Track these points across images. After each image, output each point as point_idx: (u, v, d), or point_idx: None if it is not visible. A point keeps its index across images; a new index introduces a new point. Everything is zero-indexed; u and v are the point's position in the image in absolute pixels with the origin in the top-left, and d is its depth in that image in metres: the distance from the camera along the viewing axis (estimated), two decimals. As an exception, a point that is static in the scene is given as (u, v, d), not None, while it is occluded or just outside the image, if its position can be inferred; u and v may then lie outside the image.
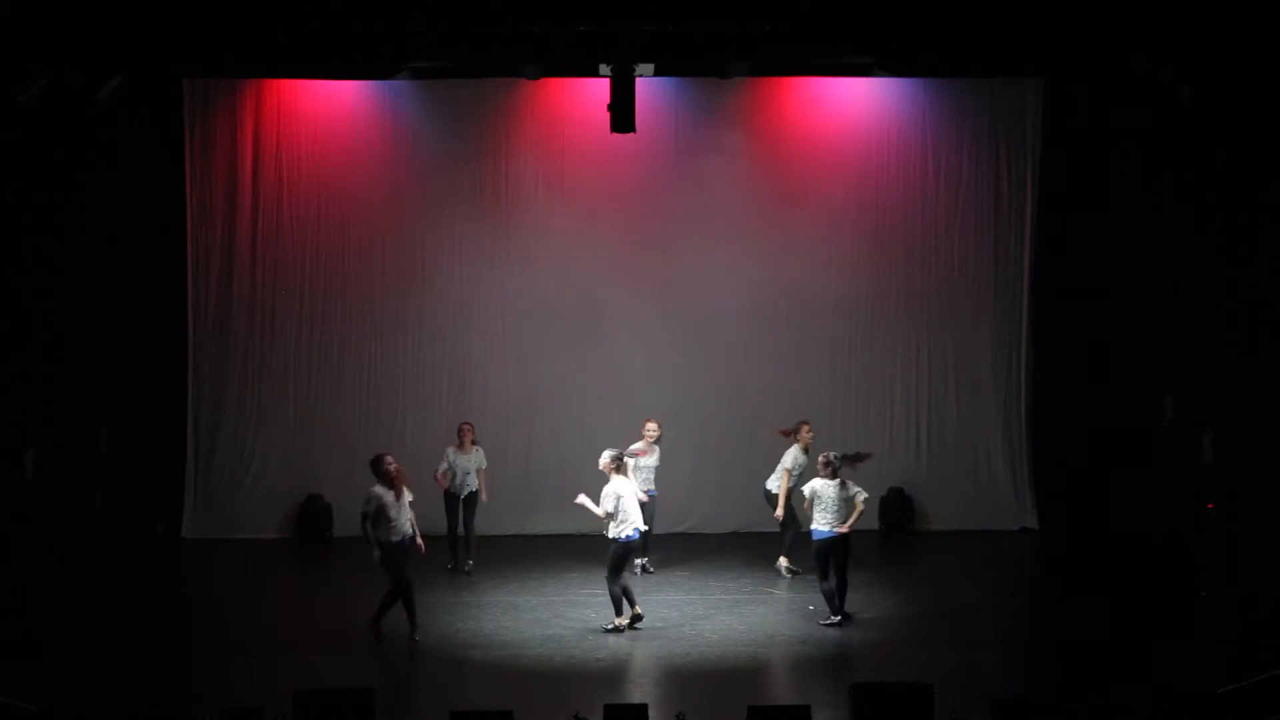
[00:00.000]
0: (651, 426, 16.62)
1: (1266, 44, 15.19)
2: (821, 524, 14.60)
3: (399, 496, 14.33)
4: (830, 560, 14.60)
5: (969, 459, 19.13)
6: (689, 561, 17.17)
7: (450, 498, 16.75)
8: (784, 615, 14.98)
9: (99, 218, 18.16)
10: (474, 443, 16.86)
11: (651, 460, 16.56)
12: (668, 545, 17.23)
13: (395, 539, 14.25)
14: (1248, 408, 16.95)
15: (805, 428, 16.49)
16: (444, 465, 16.75)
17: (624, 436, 16.93)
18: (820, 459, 14.80)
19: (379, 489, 14.30)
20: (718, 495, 18.65)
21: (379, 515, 14.21)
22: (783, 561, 16.47)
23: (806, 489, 14.76)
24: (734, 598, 15.73)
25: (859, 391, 19.03)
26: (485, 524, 17.03)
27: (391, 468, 14.38)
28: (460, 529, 16.79)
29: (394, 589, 14.23)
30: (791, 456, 16.33)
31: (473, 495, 16.79)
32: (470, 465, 16.78)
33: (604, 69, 16.60)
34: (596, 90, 17.17)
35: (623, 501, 14.39)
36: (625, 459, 15.00)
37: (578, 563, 16.74)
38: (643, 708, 10.52)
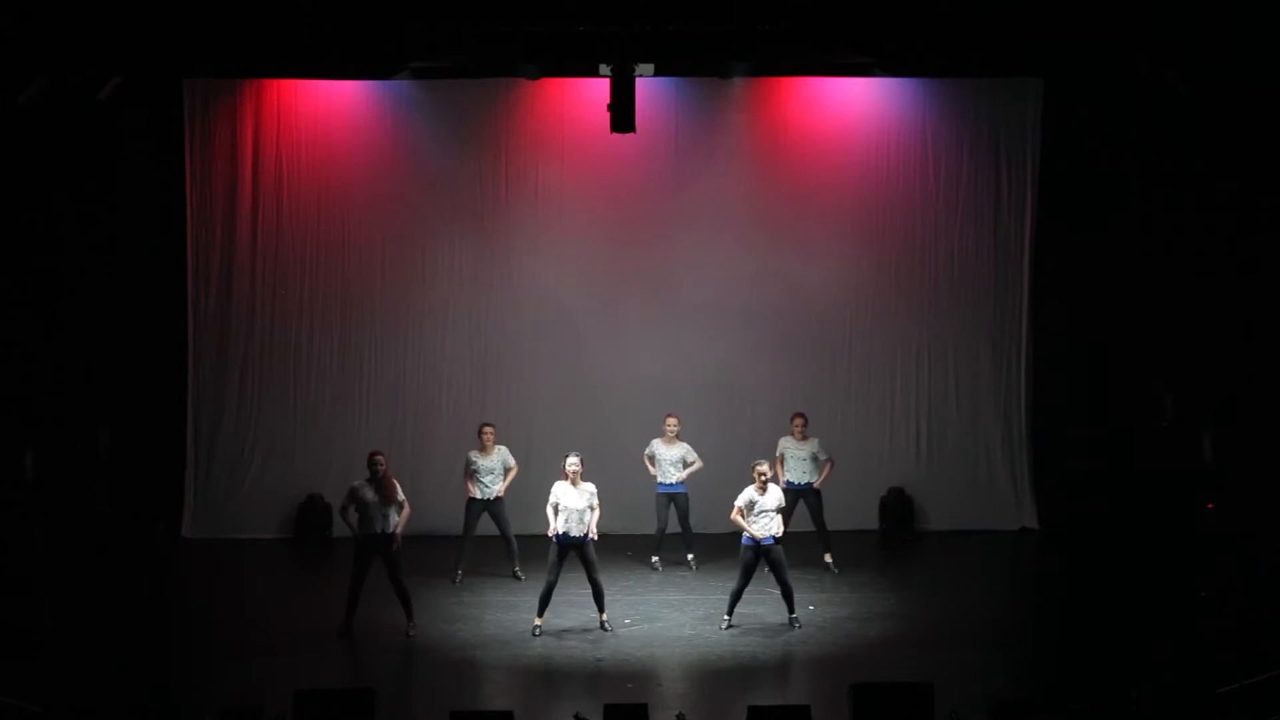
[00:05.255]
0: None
1: (1266, 44, 15.20)
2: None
3: (383, 497, 14.54)
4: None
5: (969, 459, 19.12)
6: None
7: (473, 502, 16.52)
8: (784, 615, 14.97)
9: (99, 218, 18.18)
10: (495, 444, 16.58)
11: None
12: (668, 545, 17.21)
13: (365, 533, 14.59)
14: (1248, 408, 16.96)
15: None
16: (468, 467, 16.49)
17: (622, 436, 16.94)
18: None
19: (359, 483, 14.65)
20: (717, 495, 18.61)
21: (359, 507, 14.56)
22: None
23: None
24: (734, 598, 15.72)
25: (859, 391, 19.03)
26: (486, 524, 16.99)
27: (381, 468, 14.64)
28: (501, 534, 16.54)
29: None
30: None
31: (499, 500, 16.48)
32: (494, 466, 16.52)
33: (604, 69, 16.59)
34: (596, 90, 17.16)
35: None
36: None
37: (577, 563, 16.69)
38: (643, 707, 10.51)
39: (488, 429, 16.56)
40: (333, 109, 18.80)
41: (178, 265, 18.68)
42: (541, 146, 18.87)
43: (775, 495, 14.70)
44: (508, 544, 16.57)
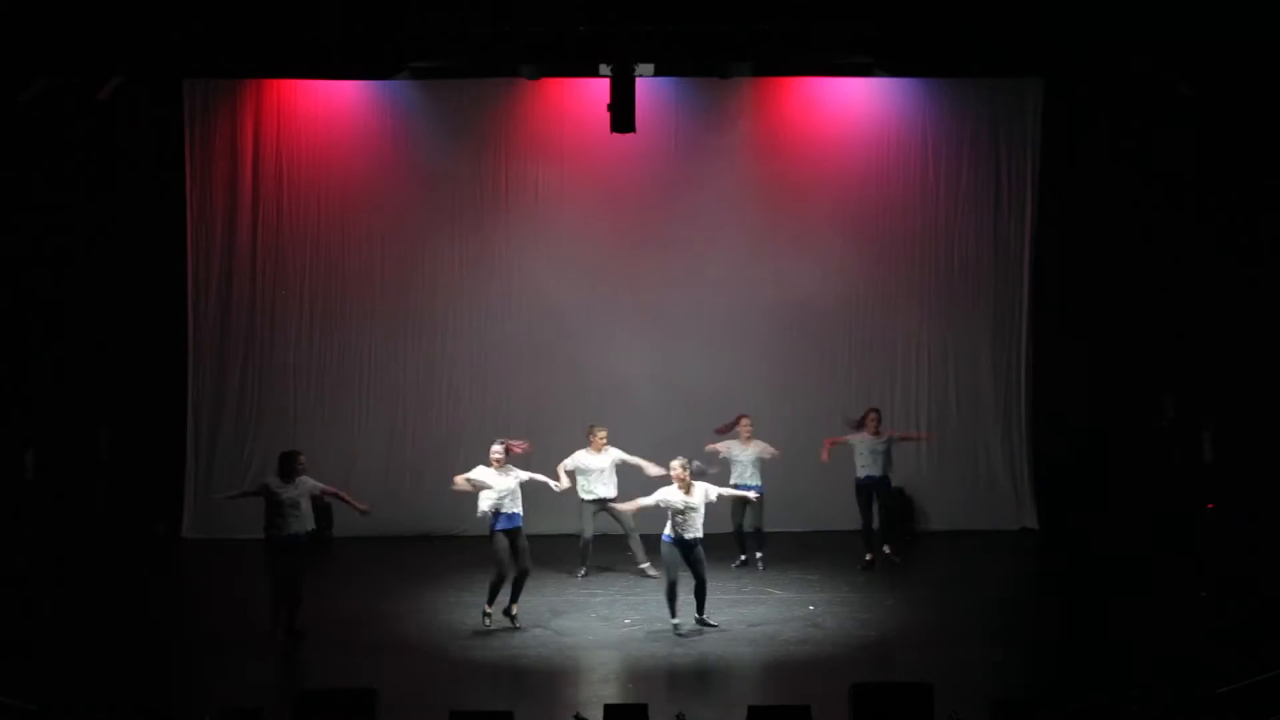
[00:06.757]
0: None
1: (1267, 44, 15.20)
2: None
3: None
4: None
5: (969, 459, 19.13)
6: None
7: (584, 503, 16.36)
8: (784, 615, 14.97)
9: (99, 218, 18.18)
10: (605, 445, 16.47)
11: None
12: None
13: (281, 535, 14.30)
14: (1248, 408, 16.96)
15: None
16: (569, 466, 16.29)
17: (622, 435, 16.89)
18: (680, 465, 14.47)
19: (273, 480, 14.37)
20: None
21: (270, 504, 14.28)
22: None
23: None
24: (734, 598, 15.70)
25: (859, 392, 18.98)
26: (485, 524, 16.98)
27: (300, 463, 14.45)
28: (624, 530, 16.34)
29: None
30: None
31: (603, 499, 16.33)
32: (604, 465, 16.36)
33: (604, 69, 16.61)
34: (596, 90, 17.17)
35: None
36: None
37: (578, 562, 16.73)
38: (643, 708, 10.49)
39: (601, 431, 16.43)
40: (333, 109, 18.81)
41: (178, 265, 18.68)
42: (541, 146, 18.88)
43: (700, 493, 14.44)
44: (630, 539, 16.39)
